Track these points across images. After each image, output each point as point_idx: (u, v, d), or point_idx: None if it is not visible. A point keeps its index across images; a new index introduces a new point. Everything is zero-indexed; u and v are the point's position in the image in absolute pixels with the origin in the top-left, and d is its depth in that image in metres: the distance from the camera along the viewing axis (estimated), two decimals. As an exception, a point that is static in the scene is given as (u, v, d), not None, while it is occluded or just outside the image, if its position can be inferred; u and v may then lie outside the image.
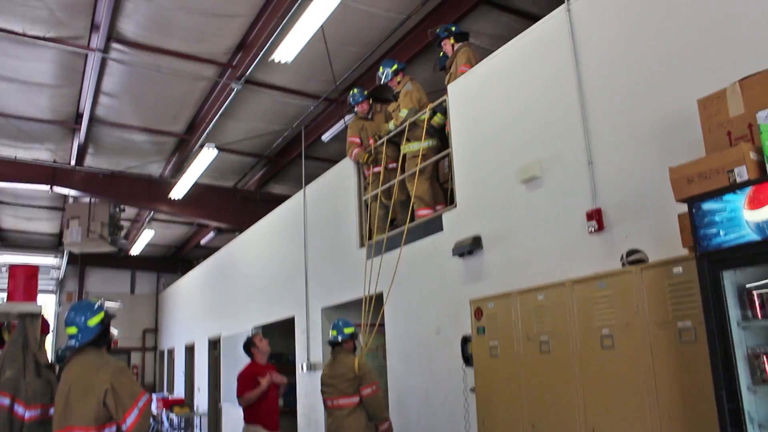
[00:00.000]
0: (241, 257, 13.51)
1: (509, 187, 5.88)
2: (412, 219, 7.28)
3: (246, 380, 6.91)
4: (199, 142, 11.10)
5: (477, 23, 8.21)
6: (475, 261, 6.21)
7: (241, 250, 13.58)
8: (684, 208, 3.56)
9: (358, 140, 8.40)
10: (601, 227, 4.89)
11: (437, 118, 7.28)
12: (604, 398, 4.09)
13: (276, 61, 7.67)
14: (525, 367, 4.67)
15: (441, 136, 7.38)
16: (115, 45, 8.48)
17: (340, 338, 6.36)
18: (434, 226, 6.90)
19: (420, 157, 7.36)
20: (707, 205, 3.20)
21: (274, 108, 10.58)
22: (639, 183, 4.70)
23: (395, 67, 7.87)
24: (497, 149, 6.12)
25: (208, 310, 15.50)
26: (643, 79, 4.77)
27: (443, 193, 7.55)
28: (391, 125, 7.83)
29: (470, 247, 6.14)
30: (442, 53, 7.62)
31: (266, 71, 9.32)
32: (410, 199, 7.51)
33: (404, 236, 7.20)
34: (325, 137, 11.18)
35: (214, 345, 14.63)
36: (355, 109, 8.54)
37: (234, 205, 13.91)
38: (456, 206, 6.64)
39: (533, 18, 7.74)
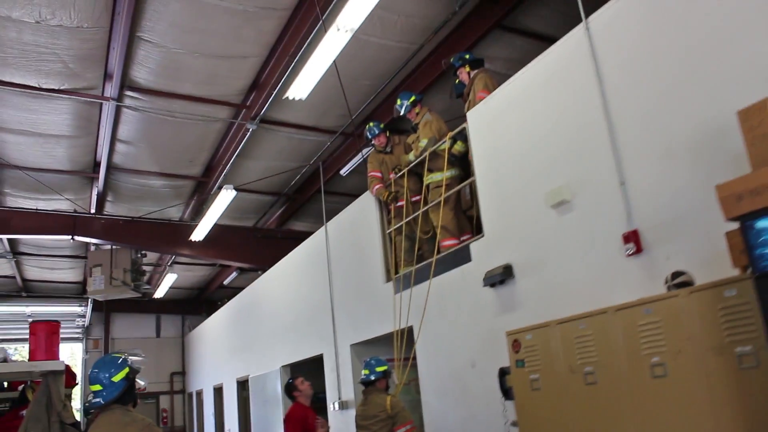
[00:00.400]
0: (265, 296, 13.37)
1: (538, 212, 5.69)
2: (439, 251, 7.10)
3: (295, 423, 6.66)
4: (217, 184, 11.05)
5: (491, 48, 8.10)
6: (507, 291, 6.00)
7: (265, 289, 13.44)
8: (730, 225, 3.38)
9: (379, 174, 8.26)
10: (639, 249, 4.68)
11: (458, 146, 7.12)
12: (659, 430, 3.85)
13: (290, 98, 7.57)
14: (570, 400, 4.44)
15: (463, 165, 7.20)
16: (128, 93, 8.47)
17: (372, 377, 6.18)
18: (462, 256, 6.71)
19: (444, 186, 7.20)
20: (761, 223, 2.99)
21: (290, 145, 10.51)
22: (675, 201, 4.49)
23: (413, 98, 7.75)
24: (523, 175, 5.94)
25: (234, 351, 15.33)
26: (669, 93, 4.59)
27: (468, 221, 7.37)
28: (411, 156, 7.69)
29: (501, 277, 5.94)
30: (457, 80, 7.48)
31: (280, 109, 9.26)
32: (435, 231, 7.34)
33: (432, 268, 7.01)
34: (344, 171, 11.08)
35: (243, 386, 14.45)
36: (373, 142, 8.41)
37: (255, 244, 13.79)
38: (483, 235, 6.45)
39: (547, 39, 7.62)
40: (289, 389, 6.97)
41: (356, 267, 9.14)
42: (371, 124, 8.41)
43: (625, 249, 4.75)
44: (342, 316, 9.50)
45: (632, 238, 4.72)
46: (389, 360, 6.46)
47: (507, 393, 5.72)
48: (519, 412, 4.95)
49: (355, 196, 9.72)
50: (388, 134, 8.40)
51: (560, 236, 5.45)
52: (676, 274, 4.08)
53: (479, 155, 6.61)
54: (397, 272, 8.00)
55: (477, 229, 6.83)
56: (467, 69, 7.21)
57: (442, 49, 8.14)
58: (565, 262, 5.37)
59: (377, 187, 8.22)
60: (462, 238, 7.09)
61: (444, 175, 7.26)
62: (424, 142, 7.43)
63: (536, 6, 7.56)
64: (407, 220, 7.71)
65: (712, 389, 3.56)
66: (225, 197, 10.61)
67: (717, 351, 3.55)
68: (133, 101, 8.71)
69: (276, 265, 12.69)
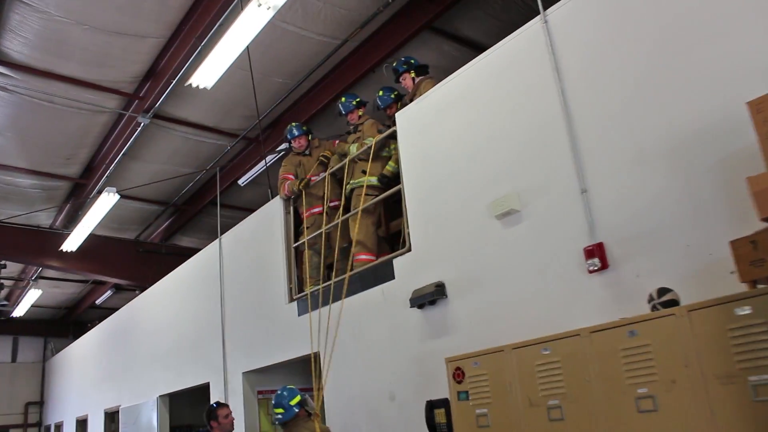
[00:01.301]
0: (143, 317, 11.96)
1: (479, 224, 5.02)
2: (352, 267, 6.30)
3: None
4: (98, 187, 9.72)
5: (417, 52, 7.45)
6: (438, 312, 5.26)
7: (143, 309, 12.03)
8: (725, 235, 2.87)
9: (292, 177, 7.37)
10: (604, 265, 4.09)
11: (390, 167, 6.43)
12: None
13: (193, 86, 6.55)
14: (528, 440, 3.71)
15: (389, 184, 6.45)
16: (-3, 67, 7.17)
17: (290, 414, 5.20)
18: (383, 273, 5.93)
19: (363, 196, 6.44)
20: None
21: (186, 147, 9.41)
22: (647, 211, 3.95)
23: (358, 100, 7.05)
24: (462, 183, 5.27)
25: (104, 379, 13.66)
26: (639, 91, 4.10)
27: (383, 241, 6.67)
28: (353, 148, 6.81)
29: (432, 297, 5.20)
30: (381, 92, 6.80)
31: (178, 104, 8.22)
32: (350, 245, 6.54)
33: (345, 286, 6.17)
34: (243, 181, 10.08)
35: (111, 417, 12.84)
36: (293, 144, 7.52)
37: (136, 259, 12.40)
38: (410, 250, 5.69)
39: (477, 47, 7.11)
40: (209, 416, 5.92)
41: (254, 286, 8.13)
42: (292, 125, 7.53)
43: (588, 264, 4.14)
44: (234, 341, 8.42)
45: (596, 252, 4.12)
46: (303, 390, 5.51)
47: (436, 430, 4.93)
48: (461, 454, 4.16)
49: (252, 210, 8.73)
50: (309, 137, 7.53)
51: (506, 251, 4.79)
52: (662, 291, 3.48)
53: (408, 161, 5.90)
54: (302, 291, 7.09)
55: (402, 245, 6.06)
56: (412, 74, 6.52)
57: (365, 48, 7.46)
58: (511, 280, 4.70)
59: (288, 183, 7.33)
60: (379, 258, 6.31)
61: (372, 181, 6.50)
62: (370, 140, 6.65)
63: (472, 9, 7.00)
64: (328, 228, 6.84)
65: (717, 426, 2.93)
66: (105, 202, 9.31)
67: (724, 380, 2.94)
68: (3, 78, 7.38)
69: (158, 283, 11.36)
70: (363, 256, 6.46)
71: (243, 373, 8.08)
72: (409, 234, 5.76)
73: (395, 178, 6.31)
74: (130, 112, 8.18)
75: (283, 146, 8.89)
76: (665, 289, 3.49)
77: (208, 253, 9.50)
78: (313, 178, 7.17)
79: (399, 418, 5.49)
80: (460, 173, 5.28)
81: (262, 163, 9.32)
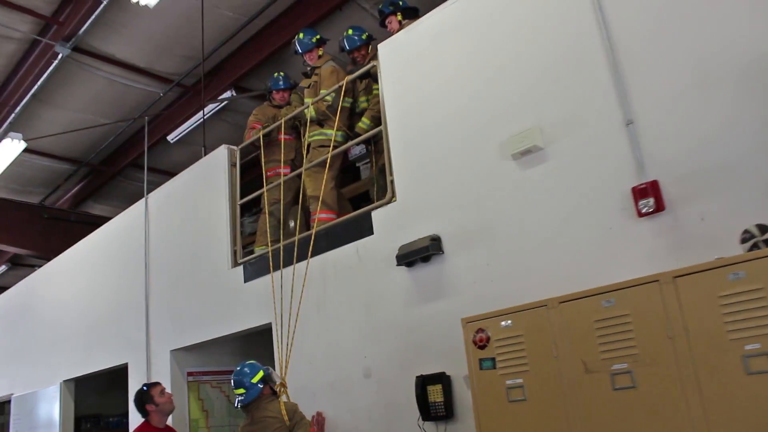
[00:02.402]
0: (46, 293, 10.55)
1: (488, 167, 4.28)
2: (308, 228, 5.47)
3: None
4: (-1, 131, 8.37)
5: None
6: (432, 271, 4.47)
7: (46, 283, 10.61)
8: None
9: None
10: (660, 207, 3.40)
11: (363, 124, 5.66)
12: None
13: (133, 1, 5.49)
14: (584, 414, 2.97)
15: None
16: None
17: (254, 394, 4.43)
18: (358, 228, 5.09)
19: (330, 149, 5.61)
20: None
21: (110, 92, 8.24)
22: (712, 143, 3.32)
23: (318, 37, 6.22)
24: (464, 120, 4.51)
25: (-8, 364, 12.09)
26: None
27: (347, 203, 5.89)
28: (312, 111, 5.92)
29: (427, 252, 4.39)
30: (350, 31, 6.00)
31: (106, 36, 7.14)
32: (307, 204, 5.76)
33: (311, 245, 5.29)
34: (173, 137, 8.93)
35: (1, 409, 11.33)
36: (274, 96, 6.62)
37: (40, 227, 11.01)
38: (395, 199, 4.88)
39: None
40: (142, 400, 5.09)
41: (187, 250, 7.10)
42: (280, 74, 6.65)
43: (640, 206, 3.45)
44: (161, 315, 7.35)
45: (650, 191, 3.44)
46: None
47: (430, 411, 4.15)
48: (483, 432, 3.37)
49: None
50: (291, 93, 6.59)
51: (525, 196, 4.06)
52: (764, 228, 2.81)
53: (393, 99, 5.10)
54: (252, 253, 6.16)
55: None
56: (399, 17, 5.73)
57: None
58: (530, 230, 3.98)
59: (254, 132, 6.37)
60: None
61: (334, 135, 5.73)
62: (327, 94, 5.79)
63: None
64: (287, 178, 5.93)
65: None
66: (8, 150, 8.00)
67: None
68: None
69: (65, 252, 10.02)
70: (324, 215, 5.63)
71: (171, 351, 7.03)
72: (392, 182, 4.93)
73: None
74: (47, 39, 6.98)
75: (227, 95, 7.89)
76: (765, 226, 2.83)
77: (130, 215, 8.34)
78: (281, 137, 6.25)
79: (376, 399, 4.67)
80: (463, 110, 4.52)
81: (199, 115, 8.26)
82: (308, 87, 6.14)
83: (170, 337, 7.10)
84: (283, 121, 6.16)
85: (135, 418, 7.23)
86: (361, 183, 6.45)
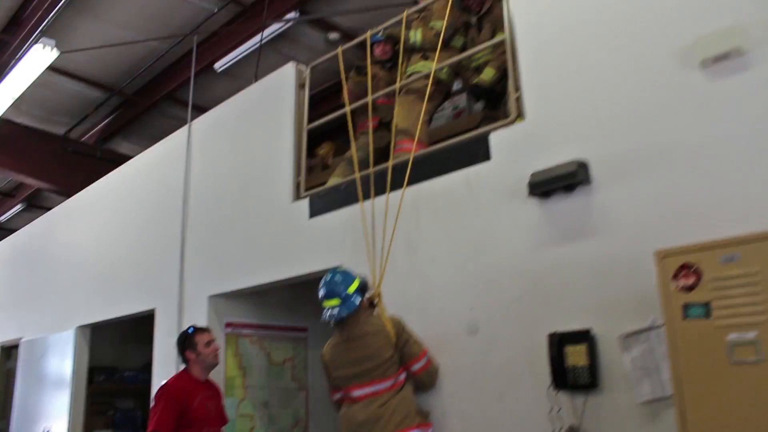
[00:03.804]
0: (63, 233, 9.74)
1: (662, 75, 3.39)
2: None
3: (172, 402, 4.36)
4: (30, 41, 7.49)
5: None
6: (575, 204, 3.59)
7: (64, 222, 9.82)
8: None
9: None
10: None
11: (487, 74, 4.82)
12: None
13: None
14: None
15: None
16: None
17: (350, 306, 3.93)
18: (469, 153, 4.21)
19: (429, 83, 4.81)
20: None
21: (158, 3, 7.34)
22: None
23: None
24: (627, 14, 3.62)
25: (1, 307, 11.33)
26: None
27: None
28: (418, 36, 5.17)
29: (572, 179, 3.51)
30: None
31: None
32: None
33: (408, 172, 4.43)
34: (221, 65, 8.07)
35: (7, 353, 10.61)
36: (375, 51, 5.60)
37: (62, 161, 10.20)
38: (522, 119, 4.00)
39: None
40: (184, 344, 4.69)
41: (237, 182, 6.25)
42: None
43: None
44: (199, 256, 6.53)
45: None
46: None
47: (567, 378, 3.30)
48: (688, 405, 2.49)
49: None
50: (395, 47, 5.57)
51: (718, 113, 3.17)
52: None
53: (523, -1, 4.20)
54: (322, 184, 5.32)
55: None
56: None
57: None
58: (727, 156, 3.08)
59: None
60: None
61: (434, 67, 4.89)
62: (438, 24, 5.04)
63: None
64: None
65: None
66: (39, 59, 7.17)
67: None
68: None
69: (87, 189, 9.20)
70: (406, 145, 4.80)
71: (209, 297, 6.18)
72: (518, 99, 4.05)
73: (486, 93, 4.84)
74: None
75: (291, 15, 7.01)
76: None
77: (169, 145, 7.50)
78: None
79: (484, 361, 3.81)
80: (630, 8, 3.62)
81: (253, 41, 7.40)
82: (417, 18, 5.28)
83: (209, 281, 6.27)
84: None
85: (161, 373, 6.49)
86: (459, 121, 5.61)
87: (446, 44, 5.01)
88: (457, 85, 5.76)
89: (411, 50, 5.29)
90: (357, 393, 3.93)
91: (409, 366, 3.93)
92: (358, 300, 3.94)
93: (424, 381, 3.96)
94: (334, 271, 4.11)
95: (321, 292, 4.03)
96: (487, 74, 4.81)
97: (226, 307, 6.24)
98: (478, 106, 5.65)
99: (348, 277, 4.02)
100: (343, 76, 5.54)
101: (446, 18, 4.87)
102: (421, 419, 3.85)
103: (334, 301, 3.91)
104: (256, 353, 6.33)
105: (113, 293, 7.90)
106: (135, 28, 7.77)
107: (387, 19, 5.40)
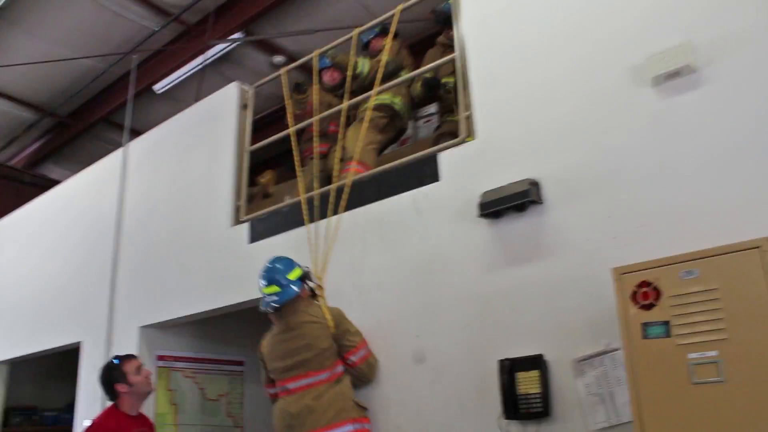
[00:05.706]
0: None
1: (613, 93, 3.39)
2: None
3: None
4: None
5: None
6: (526, 224, 3.52)
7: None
8: None
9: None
10: None
11: (418, 88, 5.12)
12: None
13: None
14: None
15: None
16: None
17: (289, 292, 3.89)
18: (417, 173, 4.14)
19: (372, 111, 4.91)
20: None
21: (96, 20, 7.21)
22: None
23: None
24: (577, 33, 3.64)
25: None
26: None
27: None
28: (366, 66, 5.16)
29: (523, 198, 3.45)
30: None
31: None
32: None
33: (346, 194, 4.32)
34: (161, 86, 7.87)
35: None
36: (323, 77, 5.49)
37: (-13, 186, 9.73)
38: (471, 138, 3.95)
39: None
40: (111, 378, 4.35)
41: (175, 209, 6.04)
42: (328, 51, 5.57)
43: None
44: (130, 285, 6.26)
45: None
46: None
47: (515, 406, 3.17)
48: (648, 431, 2.39)
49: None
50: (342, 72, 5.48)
51: (668, 130, 3.17)
52: None
53: (475, 18, 4.18)
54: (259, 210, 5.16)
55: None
56: None
57: None
58: (679, 175, 3.09)
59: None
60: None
61: (394, 100, 5.08)
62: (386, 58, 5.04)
63: None
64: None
65: None
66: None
67: None
68: None
69: (10, 216, 8.79)
70: (354, 167, 4.73)
71: (140, 328, 5.91)
72: (468, 118, 4.00)
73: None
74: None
75: (237, 35, 6.90)
76: None
77: (102, 168, 7.27)
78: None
79: (431, 390, 3.67)
80: (578, 20, 3.63)
81: (195, 63, 7.25)
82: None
83: (141, 310, 6.00)
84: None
85: (86, 412, 6.16)
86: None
87: (391, 77, 4.96)
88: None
89: (356, 78, 5.20)
90: (292, 385, 3.83)
91: (347, 357, 3.85)
92: (297, 287, 3.90)
93: (365, 372, 3.89)
94: (274, 259, 4.04)
95: (261, 281, 3.96)
96: (418, 89, 5.08)
97: (159, 339, 5.98)
98: (424, 132, 5.65)
99: (289, 265, 3.98)
100: (287, 97, 5.43)
101: (388, 51, 4.90)
102: (358, 413, 3.75)
103: (274, 288, 3.86)
104: (189, 388, 6.06)
105: (35, 325, 7.50)
106: (70, 45, 7.53)
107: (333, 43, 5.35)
